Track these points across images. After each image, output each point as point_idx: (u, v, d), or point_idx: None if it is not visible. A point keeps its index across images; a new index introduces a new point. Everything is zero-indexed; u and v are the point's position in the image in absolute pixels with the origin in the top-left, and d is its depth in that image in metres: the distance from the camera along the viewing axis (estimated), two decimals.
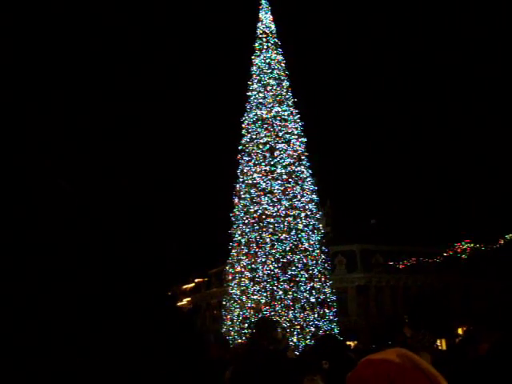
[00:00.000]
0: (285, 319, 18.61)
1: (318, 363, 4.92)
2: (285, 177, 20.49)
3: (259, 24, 23.24)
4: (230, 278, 20.53)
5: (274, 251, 19.46)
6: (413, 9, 79.82)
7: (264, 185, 20.37)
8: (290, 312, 18.83)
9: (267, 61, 22.33)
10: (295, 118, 21.81)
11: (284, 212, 20.00)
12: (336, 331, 19.45)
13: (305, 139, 21.72)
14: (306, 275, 19.49)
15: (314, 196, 21.07)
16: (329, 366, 4.90)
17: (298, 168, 20.94)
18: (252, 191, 20.51)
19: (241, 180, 21.14)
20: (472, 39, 77.64)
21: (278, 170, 20.54)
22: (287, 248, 19.56)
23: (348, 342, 22.77)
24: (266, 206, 20.03)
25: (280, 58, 22.60)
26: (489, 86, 74.43)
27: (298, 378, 5.28)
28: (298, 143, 21.37)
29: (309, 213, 20.56)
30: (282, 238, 19.63)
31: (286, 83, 22.21)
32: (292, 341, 18.27)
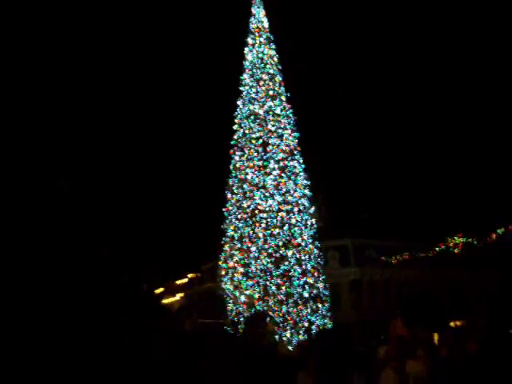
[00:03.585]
0: (278, 314, 18.63)
1: (312, 358, 4.91)
2: (277, 172, 20.48)
3: (252, 19, 23.16)
4: (223, 273, 20.50)
5: (266, 246, 19.46)
6: (413, 5, 79.84)
7: (257, 180, 20.35)
8: (283, 307, 18.84)
9: (260, 56, 22.29)
10: (288, 112, 21.80)
11: (277, 207, 19.99)
12: (329, 326, 19.48)
13: (297, 134, 21.74)
14: (299, 270, 19.51)
15: (306, 191, 21.07)
16: (321, 360, 4.89)
17: (291, 163, 20.94)
18: (245, 186, 20.49)
19: (233, 175, 21.11)
20: (473, 38, 77.74)
21: (271, 165, 20.52)
22: (280, 243, 19.57)
23: None
24: (259, 201, 20.02)
25: (272, 52, 22.56)
26: (488, 82, 74.62)
27: (292, 373, 5.26)
28: (290, 138, 21.37)
29: (302, 208, 20.56)
30: (274, 232, 19.63)
31: (278, 78, 22.18)
32: (285, 336, 18.32)
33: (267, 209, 19.91)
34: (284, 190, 20.35)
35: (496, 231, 37.28)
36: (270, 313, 18.39)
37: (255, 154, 20.76)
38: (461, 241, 40.06)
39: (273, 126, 21.15)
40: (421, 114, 77.02)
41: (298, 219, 20.25)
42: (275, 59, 22.51)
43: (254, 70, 22.09)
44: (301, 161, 21.39)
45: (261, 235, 19.60)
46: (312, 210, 21.35)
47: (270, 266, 19.23)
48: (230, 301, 19.56)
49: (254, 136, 21.04)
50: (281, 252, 19.47)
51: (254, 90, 21.75)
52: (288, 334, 18.44)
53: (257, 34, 22.75)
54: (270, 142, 20.91)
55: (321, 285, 20.13)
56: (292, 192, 20.47)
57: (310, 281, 19.68)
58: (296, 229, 20.04)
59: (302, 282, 19.41)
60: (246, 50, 22.63)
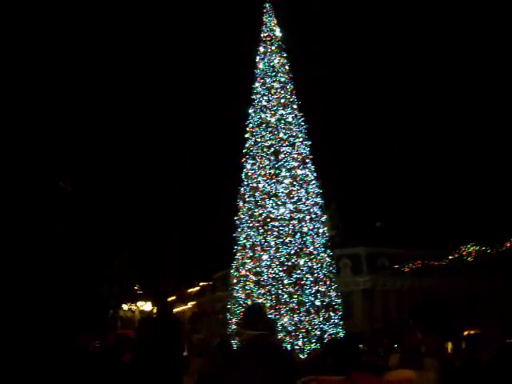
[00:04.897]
0: (290, 322, 18.55)
1: (323, 362, 4.87)
2: (289, 180, 20.43)
3: (263, 27, 23.20)
4: (235, 281, 20.47)
5: (278, 254, 19.39)
6: (424, 13, 79.80)
7: (268, 188, 20.31)
8: (295, 315, 18.75)
9: (271, 64, 22.30)
10: (299, 121, 21.76)
11: (289, 215, 19.93)
12: (341, 335, 19.37)
13: (309, 142, 21.69)
14: (311, 278, 19.42)
15: (318, 199, 21.00)
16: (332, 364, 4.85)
17: (303, 171, 20.87)
18: (256, 194, 20.46)
19: (245, 183, 21.09)
20: (473, 37, 77.54)
21: (283, 173, 20.48)
22: (292, 251, 19.50)
23: None
24: (271, 210, 19.98)
25: (284, 61, 22.56)
26: (493, 86, 74.27)
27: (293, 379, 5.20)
28: (302, 146, 21.32)
29: (314, 216, 20.49)
30: (286, 241, 19.57)
31: (290, 86, 22.16)
32: (297, 344, 18.23)
33: (279, 217, 19.86)
34: (296, 198, 20.29)
35: (510, 239, 36.99)
36: (282, 321, 18.33)
37: (267, 162, 20.72)
38: (474, 249, 39.79)
39: (284, 134, 21.11)
40: (435, 123, 76.75)
41: (310, 227, 20.17)
42: (287, 67, 22.51)
43: (266, 79, 22.08)
44: (313, 169, 21.32)
45: (273, 244, 19.55)
46: (324, 218, 21.28)
47: (281, 274, 19.16)
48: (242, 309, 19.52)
49: (265, 144, 21.02)
50: (293, 260, 19.39)
51: (265, 98, 21.74)
52: (300, 343, 18.35)
53: (268, 43, 22.77)
54: (281, 150, 20.87)
55: (333, 293, 20.02)
56: (304, 200, 20.40)
57: (322, 289, 19.58)
58: (308, 237, 19.96)
59: (314, 291, 19.31)
60: (258, 58, 22.65)
